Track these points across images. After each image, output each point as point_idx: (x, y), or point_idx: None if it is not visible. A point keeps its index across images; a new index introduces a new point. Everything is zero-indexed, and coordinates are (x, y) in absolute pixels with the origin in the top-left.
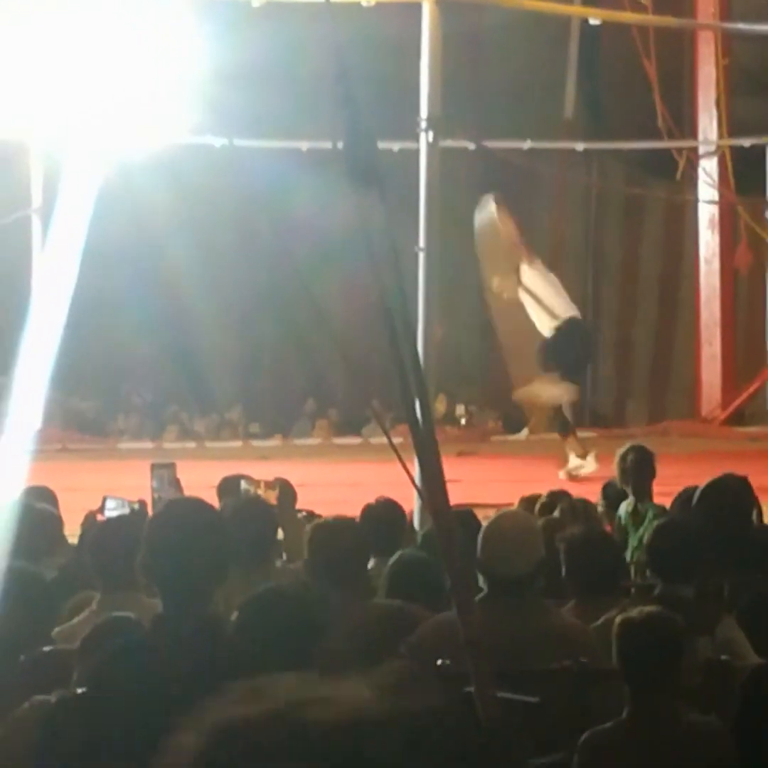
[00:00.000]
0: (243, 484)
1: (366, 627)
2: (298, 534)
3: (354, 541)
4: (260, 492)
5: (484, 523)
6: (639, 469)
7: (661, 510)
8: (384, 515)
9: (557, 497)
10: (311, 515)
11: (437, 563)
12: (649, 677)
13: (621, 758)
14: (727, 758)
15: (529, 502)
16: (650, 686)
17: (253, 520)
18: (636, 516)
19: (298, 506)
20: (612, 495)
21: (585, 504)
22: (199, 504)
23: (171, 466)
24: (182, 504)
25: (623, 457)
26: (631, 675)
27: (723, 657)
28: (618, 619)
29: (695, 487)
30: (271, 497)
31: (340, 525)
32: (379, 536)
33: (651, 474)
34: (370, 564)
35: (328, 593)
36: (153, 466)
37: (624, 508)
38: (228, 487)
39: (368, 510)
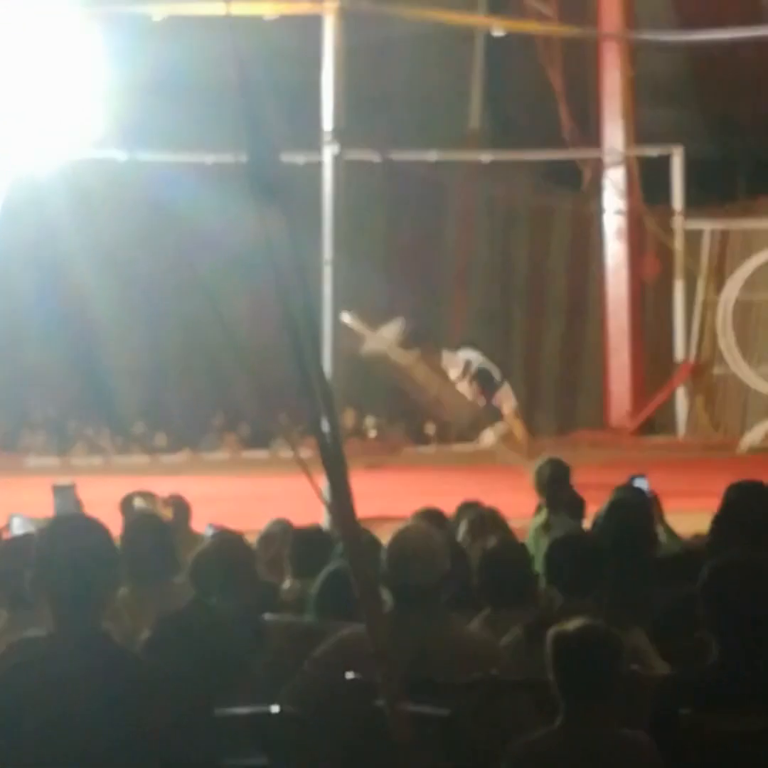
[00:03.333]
0: (137, 501)
1: (289, 646)
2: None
3: (238, 556)
4: (157, 508)
5: (388, 537)
6: (553, 482)
7: (570, 523)
8: (309, 538)
9: (465, 510)
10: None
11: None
12: (585, 689)
13: (551, 767)
14: None
15: (423, 516)
16: (586, 698)
17: (147, 536)
18: (547, 528)
19: (207, 521)
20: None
21: (494, 514)
22: (85, 520)
23: (72, 487)
24: (68, 521)
25: (540, 470)
26: (567, 686)
27: (633, 667)
28: (551, 633)
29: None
30: (168, 513)
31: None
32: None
33: (566, 486)
34: (287, 584)
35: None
36: (54, 487)
37: (537, 520)
38: (129, 504)
39: (295, 533)
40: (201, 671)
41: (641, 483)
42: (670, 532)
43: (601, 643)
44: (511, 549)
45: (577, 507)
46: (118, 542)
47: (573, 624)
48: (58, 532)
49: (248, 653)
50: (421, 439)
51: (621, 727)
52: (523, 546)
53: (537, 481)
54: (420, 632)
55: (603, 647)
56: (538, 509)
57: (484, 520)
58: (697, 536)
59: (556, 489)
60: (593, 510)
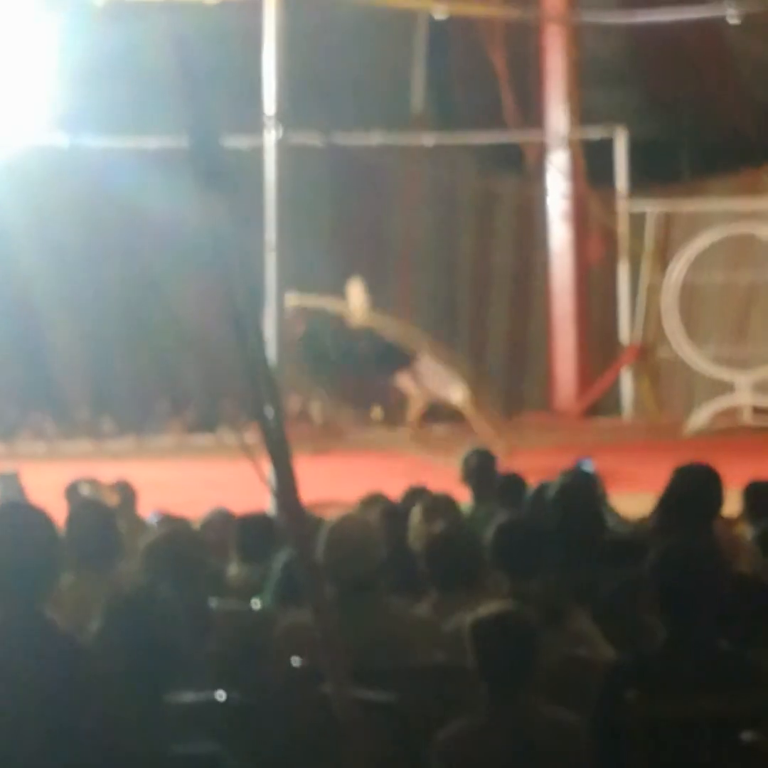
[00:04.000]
0: (84, 488)
1: (235, 633)
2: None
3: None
4: (102, 494)
5: (324, 528)
6: (481, 473)
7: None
8: (254, 524)
9: (418, 494)
10: (168, 517)
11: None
12: (503, 673)
13: (478, 753)
14: (582, 753)
15: (369, 502)
16: (505, 682)
17: (92, 522)
18: (473, 521)
19: (153, 507)
20: None
21: (447, 499)
22: (26, 508)
23: (15, 476)
24: (7, 508)
25: (466, 461)
26: (486, 672)
27: (578, 650)
28: (469, 618)
29: (547, 483)
30: (113, 499)
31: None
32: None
33: (492, 477)
34: (233, 571)
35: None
36: None
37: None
38: (74, 491)
39: (240, 520)
40: (149, 658)
41: (586, 465)
42: (616, 514)
43: (516, 628)
44: (458, 533)
45: (513, 492)
46: (62, 529)
47: (487, 609)
48: (0, 520)
49: (196, 640)
50: (367, 423)
51: (543, 708)
52: (468, 530)
53: (463, 470)
54: (362, 620)
55: (518, 631)
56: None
57: (438, 504)
58: (642, 519)
59: (482, 479)
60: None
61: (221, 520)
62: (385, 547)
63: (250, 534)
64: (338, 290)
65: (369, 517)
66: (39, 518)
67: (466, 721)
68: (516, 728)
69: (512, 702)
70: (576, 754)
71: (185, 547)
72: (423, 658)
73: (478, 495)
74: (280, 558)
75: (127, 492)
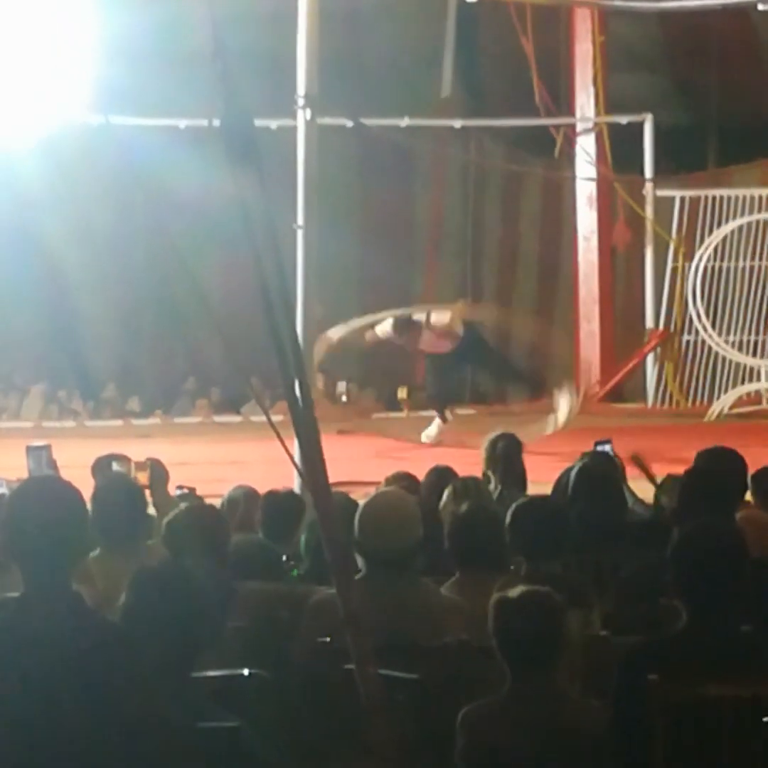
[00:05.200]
0: (114, 465)
1: (260, 610)
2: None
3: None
4: (131, 472)
5: (362, 503)
6: (505, 458)
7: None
8: (281, 502)
9: (446, 474)
10: (191, 493)
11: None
12: (526, 655)
13: (499, 734)
14: (603, 736)
15: (395, 481)
16: (528, 664)
17: (120, 499)
18: (501, 504)
19: (179, 484)
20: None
21: (476, 481)
22: (55, 481)
23: (47, 448)
24: (38, 482)
25: (493, 444)
26: (509, 653)
27: (602, 633)
28: (494, 598)
29: (569, 467)
30: (143, 477)
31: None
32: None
33: (518, 462)
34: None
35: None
36: (28, 448)
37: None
38: (101, 466)
39: (267, 498)
40: (176, 633)
41: (606, 448)
42: (636, 497)
43: (543, 609)
44: (482, 514)
45: (522, 481)
46: (89, 504)
47: (515, 590)
48: (28, 493)
49: (221, 616)
50: (393, 404)
51: (567, 691)
52: (493, 512)
53: (488, 453)
54: (392, 597)
55: (544, 613)
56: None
57: (468, 486)
58: (664, 502)
59: (508, 464)
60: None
61: (244, 497)
62: (421, 526)
63: (277, 511)
64: (365, 271)
65: (406, 494)
66: (67, 492)
67: (489, 701)
68: (537, 709)
69: (535, 683)
70: (597, 738)
71: (206, 522)
72: (450, 637)
73: (504, 480)
74: (309, 535)
75: (157, 470)
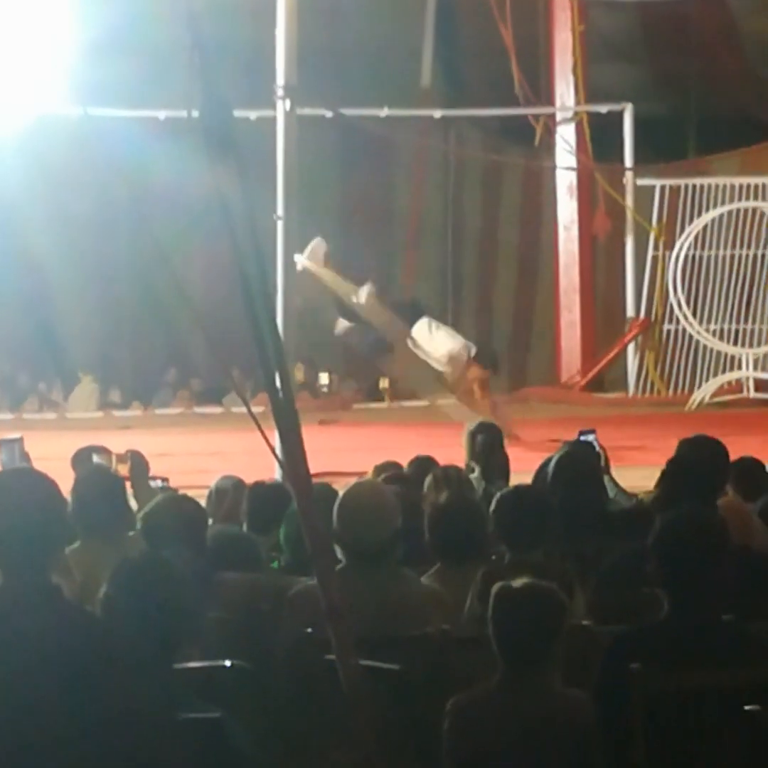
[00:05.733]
0: (95, 457)
1: (239, 601)
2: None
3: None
4: (112, 464)
5: (340, 494)
6: (487, 448)
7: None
8: (266, 494)
9: (429, 464)
10: (166, 483)
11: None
12: (524, 648)
13: (488, 724)
14: (591, 733)
15: (383, 470)
16: (524, 656)
17: (100, 491)
18: (486, 495)
19: (152, 475)
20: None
21: (457, 471)
22: (31, 473)
23: (19, 440)
24: (12, 474)
25: (472, 435)
26: (505, 644)
27: (585, 622)
28: (495, 589)
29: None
30: (123, 469)
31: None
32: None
33: (499, 453)
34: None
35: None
36: (1, 441)
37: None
38: (81, 458)
39: (252, 489)
40: (156, 625)
41: (589, 438)
42: (618, 486)
43: (544, 603)
44: (462, 504)
45: (506, 471)
46: (69, 497)
47: (518, 581)
48: (2, 486)
49: (199, 606)
50: (374, 395)
51: (559, 685)
52: (474, 502)
53: (468, 446)
54: (373, 588)
55: (545, 606)
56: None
57: (449, 476)
58: (646, 491)
59: (490, 455)
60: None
61: (233, 487)
62: (400, 516)
63: (262, 503)
64: (346, 261)
65: (382, 485)
66: (43, 484)
67: (478, 690)
68: (528, 701)
69: (527, 675)
70: (587, 731)
71: (183, 513)
72: (433, 627)
73: (486, 472)
74: (289, 526)
75: (137, 461)
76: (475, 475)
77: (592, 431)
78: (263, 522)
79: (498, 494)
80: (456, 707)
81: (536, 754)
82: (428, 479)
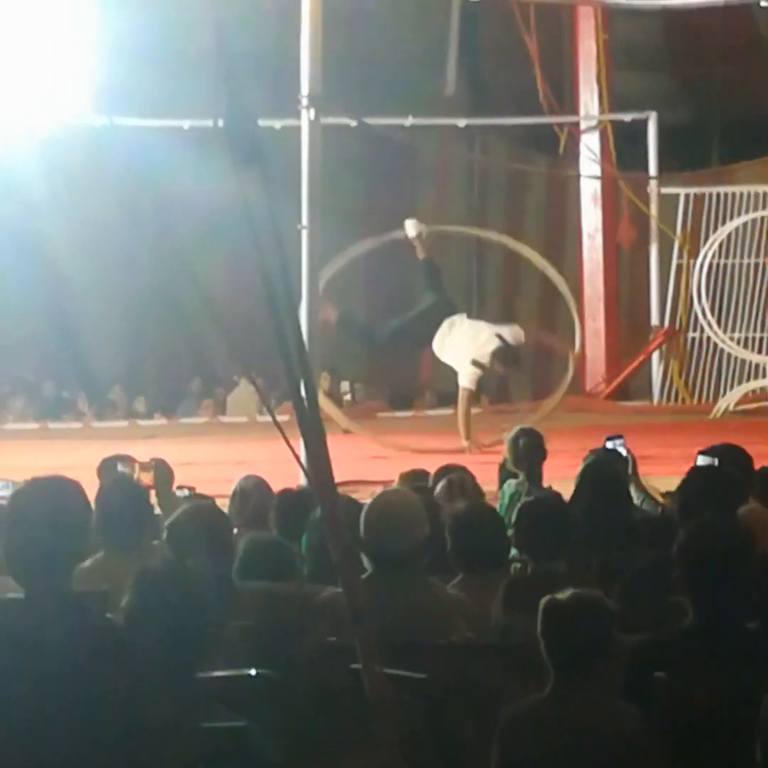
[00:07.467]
0: (119, 466)
1: (263, 609)
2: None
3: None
4: (136, 473)
5: (368, 501)
6: (531, 453)
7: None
8: (295, 500)
9: (444, 473)
10: (192, 492)
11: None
12: (574, 659)
13: (541, 736)
14: (643, 747)
15: (409, 478)
16: (575, 667)
17: (124, 500)
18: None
19: (179, 484)
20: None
21: (472, 480)
22: (58, 482)
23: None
24: (41, 482)
25: (514, 441)
26: (556, 656)
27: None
28: (543, 603)
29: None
30: (147, 478)
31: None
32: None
33: (542, 457)
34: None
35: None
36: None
37: (512, 488)
38: (106, 468)
39: (281, 495)
40: (179, 633)
41: (617, 443)
42: (646, 493)
43: (593, 613)
44: (480, 514)
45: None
46: (93, 506)
47: (566, 593)
48: (31, 493)
49: (223, 615)
50: (399, 404)
51: (610, 697)
52: (493, 510)
53: (512, 452)
54: (399, 596)
55: (594, 617)
56: (502, 476)
57: (462, 483)
58: (664, 493)
59: (534, 459)
60: (567, 474)
61: (256, 488)
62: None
63: (289, 510)
64: (369, 271)
65: (411, 494)
66: (71, 492)
67: (530, 702)
68: (578, 715)
69: (579, 686)
70: (638, 741)
71: (208, 521)
72: (456, 636)
73: (530, 476)
74: (311, 535)
75: (162, 470)
76: (519, 480)
77: (620, 436)
78: (291, 529)
79: (519, 504)
80: (508, 718)
81: (588, 765)
82: (440, 485)
